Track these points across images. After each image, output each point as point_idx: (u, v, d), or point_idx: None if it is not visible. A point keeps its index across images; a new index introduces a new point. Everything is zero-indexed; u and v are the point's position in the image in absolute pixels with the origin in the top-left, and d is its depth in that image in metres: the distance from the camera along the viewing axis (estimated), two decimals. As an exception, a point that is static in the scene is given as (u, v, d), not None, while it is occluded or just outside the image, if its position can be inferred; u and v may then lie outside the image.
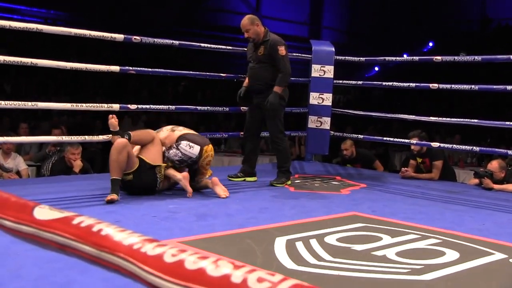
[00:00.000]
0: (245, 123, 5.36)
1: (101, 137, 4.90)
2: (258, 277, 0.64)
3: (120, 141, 4.11)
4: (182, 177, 4.34)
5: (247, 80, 5.26)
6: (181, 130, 4.56)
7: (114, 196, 3.95)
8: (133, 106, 5.09)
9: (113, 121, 4.33)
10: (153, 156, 4.29)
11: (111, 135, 4.49)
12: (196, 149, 4.38)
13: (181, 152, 4.33)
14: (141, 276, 0.71)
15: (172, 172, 4.38)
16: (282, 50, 4.97)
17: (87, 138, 4.85)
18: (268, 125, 5.13)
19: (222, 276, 0.65)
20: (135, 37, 4.94)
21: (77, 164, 5.54)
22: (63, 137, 5.07)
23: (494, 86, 5.46)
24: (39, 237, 0.83)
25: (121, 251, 0.74)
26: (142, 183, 4.26)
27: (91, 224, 0.79)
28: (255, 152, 5.39)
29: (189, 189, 4.31)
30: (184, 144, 4.37)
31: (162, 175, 4.32)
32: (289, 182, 5.15)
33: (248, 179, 5.28)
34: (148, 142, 4.31)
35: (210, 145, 4.54)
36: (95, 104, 5.04)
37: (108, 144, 7.76)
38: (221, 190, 4.41)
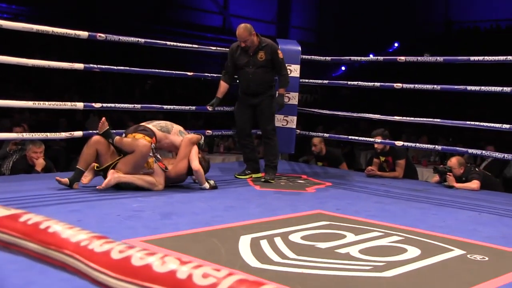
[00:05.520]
0: (236, 124, 5.52)
1: (63, 134, 4.83)
2: (203, 272, 0.64)
3: (94, 136, 4.45)
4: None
5: (221, 89, 5.44)
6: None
7: (65, 180, 4.27)
8: (97, 105, 5.02)
9: (100, 124, 4.47)
10: (124, 169, 4.36)
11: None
12: None
13: None
14: (86, 273, 0.71)
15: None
16: (281, 53, 5.31)
17: (49, 135, 4.76)
18: (263, 123, 5.37)
19: (168, 272, 0.65)
20: (99, 34, 4.88)
21: (40, 162, 5.44)
22: (24, 134, 4.96)
23: (455, 86, 5.56)
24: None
25: (68, 248, 0.73)
26: None
27: (39, 221, 0.77)
28: (253, 149, 5.61)
29: (105, 181, 4.29)
30: None
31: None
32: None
33: (254, 175, 5.47)
34: (130, 152, 4.37)
35: (139, 134, 4.47)
36: (58, 102, 4.93)
37: (72, 143, 7.70)
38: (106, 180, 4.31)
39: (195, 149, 4.68)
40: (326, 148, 6.87)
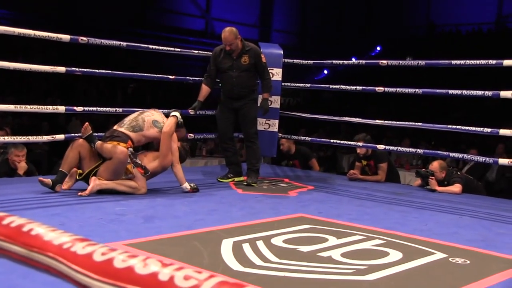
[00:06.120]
0: (218, 127, 5.51)
1: (45, 138, 4.79)
2: (185, 274, 0.65)
3: (78, 140, 4.46)
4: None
5: (203, 93, 5.40)
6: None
7: (47, 181, 4.24)
8: (79, 108, 5.00)
9: (82, 129, 4.50)
10: (105, 176, 4.35)
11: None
12: None
13: None
14: (69, 275, 0.71)
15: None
16: (264, 58, 5.36)
17: (31, 138, 4.72)
18: (246, 126, 5.42)
19: (150, 274, 0.66)
20: (81, 37, 4.86)
21: (22, 166, 5.39)
22: (6, 137, 4.92)
23: (437, 90, 5.61)
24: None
25: (51, 251, 0.74)
26: None
27: (22, 223, 0.78)
28: (235, 152, 5.62)
29: (88, 188, 4.30)
30: None
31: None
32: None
33: (237, 179, 5.49)
34: (109, 158, 4.35)
35: (113, 142, 4.44)
36: (39, 106, 4.90)
37: (55, 146, 7.64)
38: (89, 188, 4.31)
39: (175, 141, 4.66)
40: (295, 147, 6.90)
